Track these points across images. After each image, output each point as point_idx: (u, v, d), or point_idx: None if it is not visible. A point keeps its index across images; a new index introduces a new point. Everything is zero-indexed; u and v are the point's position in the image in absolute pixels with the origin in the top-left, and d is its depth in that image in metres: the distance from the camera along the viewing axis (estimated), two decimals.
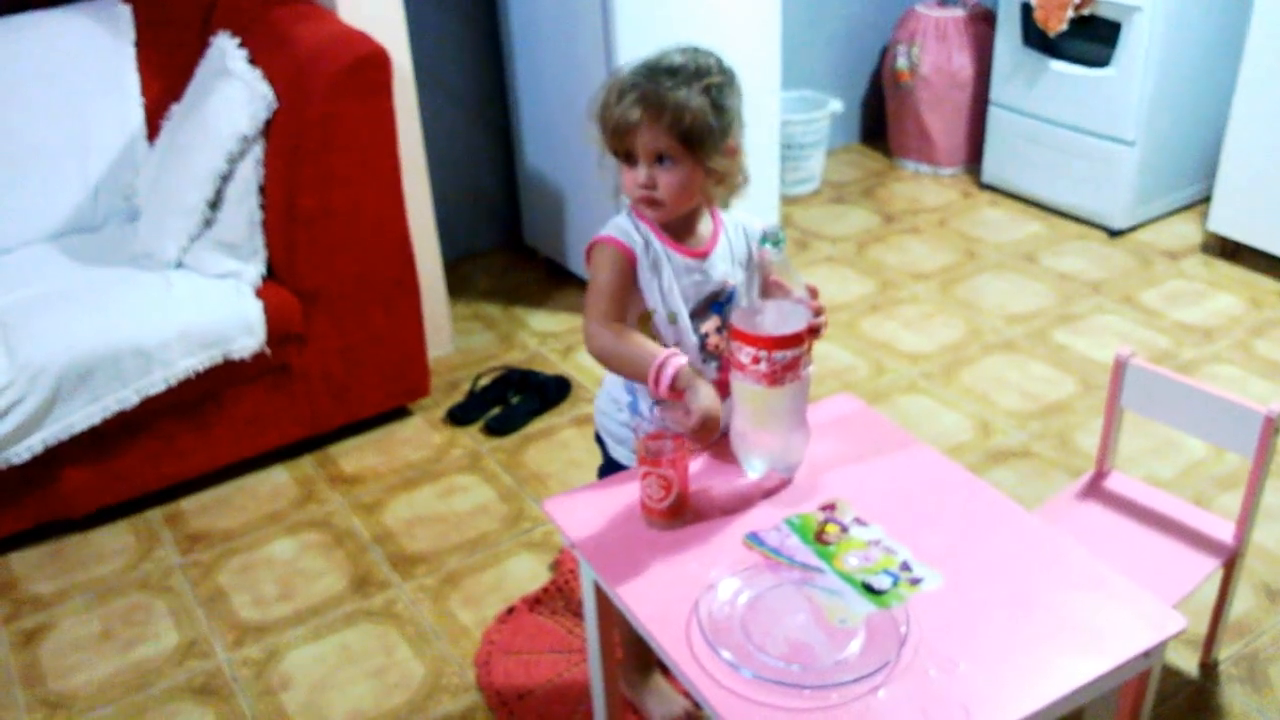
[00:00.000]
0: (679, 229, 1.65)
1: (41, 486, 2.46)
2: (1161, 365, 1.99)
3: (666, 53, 1.60)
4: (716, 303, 1.68)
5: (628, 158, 1.59)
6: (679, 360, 1.54)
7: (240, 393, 2.62)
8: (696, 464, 1.62)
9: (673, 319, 1.65)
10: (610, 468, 1.81)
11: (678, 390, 1.54)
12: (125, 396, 2.43)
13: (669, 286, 1.64)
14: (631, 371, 1.60)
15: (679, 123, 1.54)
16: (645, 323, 1.65)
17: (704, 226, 1.68)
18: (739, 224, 1.72)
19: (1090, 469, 2.12)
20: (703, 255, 1.66)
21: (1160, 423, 2.01)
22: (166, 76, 2.85)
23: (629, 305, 1.64)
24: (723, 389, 1.69)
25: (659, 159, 1.57)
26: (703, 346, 1.67)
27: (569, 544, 1.54)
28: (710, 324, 1.68)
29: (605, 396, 1.79)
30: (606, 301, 1.62)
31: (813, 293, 1.56)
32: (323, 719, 2.09)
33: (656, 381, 1.54)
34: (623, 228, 1.64)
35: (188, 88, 2.76)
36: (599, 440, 1.85)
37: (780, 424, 1.57)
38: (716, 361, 1.69)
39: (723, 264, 1.68)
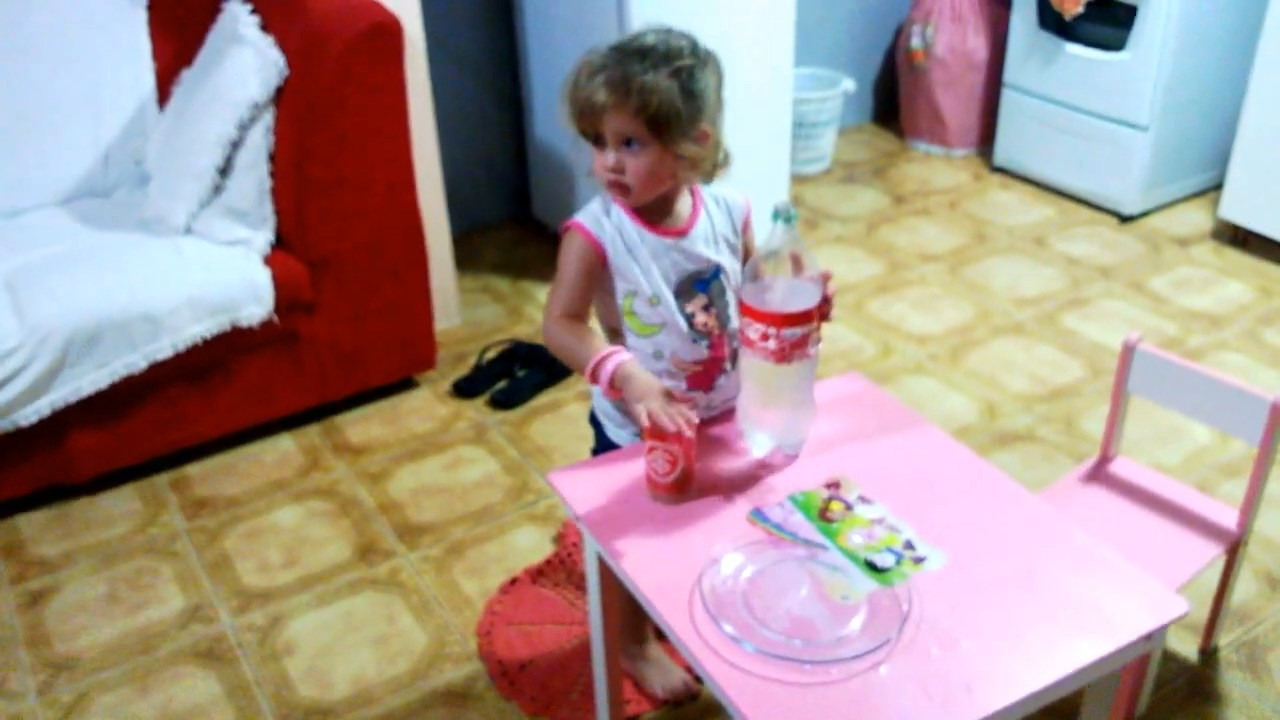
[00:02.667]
0: (655, 209, 1.64)
1: (49, 450, 2.47)
2: (1169, 352, 1.98)
3: (639, 33, 1.57)
4: (701, 281, 1.66)
5: (597, 140, 1.58)
6: (618, 358, 1.54)
7: (247, 360, 2.63)
8: (702, 439, 1.62)
9: (655, 301, 1.64)
10: (605, 449, 1.79)
11: (616, 388, 1.54)
12: (133, 361, 2.44)
13: (647, 268, 1.63)
14: (577, 368, 1.61)
15: (645, 107, 1.51)
16: (629, 305, 1.64)
17: (682, 205, 1.66)
18: (720, 199, 1.70)
19: (1095, 454, 2.13)
20: (681, 234, 1.64)
21: (1167, 408, 2.01)
22: (178, 41, 2.84)
23: (592, 298, 1.65)
24: (715, 366, 1.69)
25: (627, 142, 1.55)
26: (690, 325, 1.67)
27: (573, 516, 1.54)
28: (697, 303, 1.66)
29: None
30: (566, 296, 1.63)
31: (825, 278, 1.55)
32: (325, 685, 2.10)
33: (595, 379, 1.56)
34: (595, 215, 1.63)
35: (199, 53, 2.75)
36: (594, 422, 1.85)
37: (787, 401, 1.57)
38: (707, 340, 1.68)
39: (703, 241, 1.66)
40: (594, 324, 1.68)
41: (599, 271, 1.63)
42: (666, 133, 1.54)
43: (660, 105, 1.52)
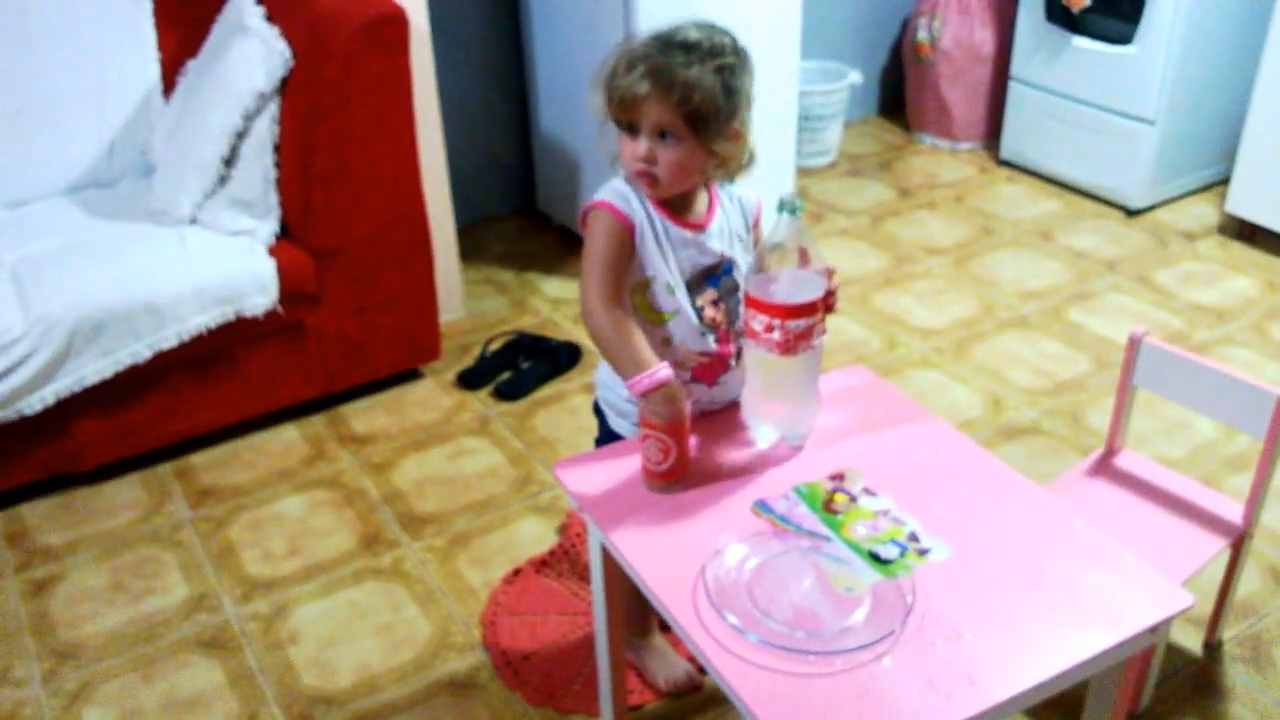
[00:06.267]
0: (676, 202, 1.63)
1: (53, 438, 2.47)
2: (1174, 346, 1.98)
3: (681, 27, 1.56)
4: (713, 275, 1.66)
5: (630, 129, 1.57)
6: (664, 374, 1.52)
7: (252, 350, 2.63)
8: (706, 430, 1.62)
9: (671, 289, 1.64)
10: (608, 439, 1.80)
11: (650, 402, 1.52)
12: (138, 351, 2.44)
13: (669, 256, 1.62)
14: (619, 367, 1.58)
15: (687, 101, 1.51)
16: (644, 290, 1.64)
17: (700, 201, 1.66)
18: (735, 196, 1.70)
19: (1100, 447, 2.12)
20: (699, 228, 1.64)
21: (1173, 402, 2.00)
22: (183, 32, 2.84)
23: (626, 276, 1.63)
24: (721, 362, 1.69)
25: (661, 134, 1.55)
26: (699, 319, 1.66)
27: (577, 507, 1.54)
28: (706, 296, 1.66)
29: (608, 369, 1.76)
30: (605, 275, 1.60)
31: (829, 273, 1.55)
32: (329, 674, 2.11)
33: (635, 387, 1.53)
34: (621, 193, 1.62)
35: (204, 44, 2.75)
36: (598, 411, 1.84)
37: (791, 393, 1.57)
38: (714, 334, 1.68)
39: (719, 237, 1.66)
40: None
41: (630, 249, 1.61)
42: (704, 129, 1.54)
43: (702, 101, 1.52)
